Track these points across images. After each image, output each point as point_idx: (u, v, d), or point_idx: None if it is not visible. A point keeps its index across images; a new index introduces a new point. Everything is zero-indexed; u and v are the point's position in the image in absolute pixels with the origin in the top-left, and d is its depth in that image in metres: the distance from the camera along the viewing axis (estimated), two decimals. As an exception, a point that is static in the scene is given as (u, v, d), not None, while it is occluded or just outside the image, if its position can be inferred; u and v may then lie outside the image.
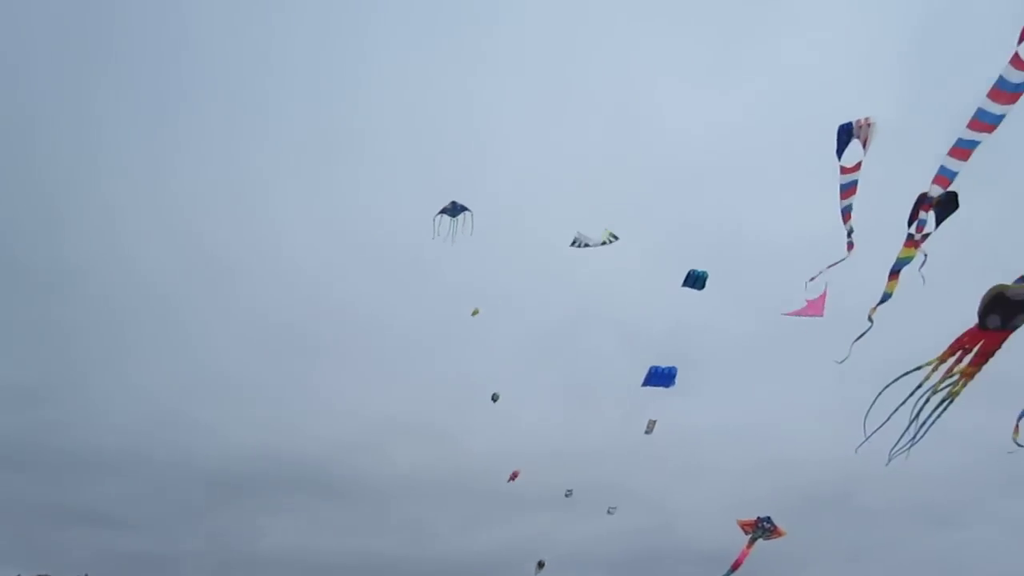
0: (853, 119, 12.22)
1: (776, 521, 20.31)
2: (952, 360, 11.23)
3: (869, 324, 12.30)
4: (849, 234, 13.38)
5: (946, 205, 11.25)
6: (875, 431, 11.64)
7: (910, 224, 11.55)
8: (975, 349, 11.07)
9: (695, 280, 17.57)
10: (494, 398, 32.30)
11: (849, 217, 13.01)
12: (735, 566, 20.10)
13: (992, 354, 11.07)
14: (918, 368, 11.39)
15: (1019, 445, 11.29)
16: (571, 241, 27.52)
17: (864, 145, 12.03)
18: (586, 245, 25.21)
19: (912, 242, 11.63)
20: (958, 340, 11.14)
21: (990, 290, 10.65)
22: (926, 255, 11.96)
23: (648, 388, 20.69)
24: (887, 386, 11.44)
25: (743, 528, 20.02)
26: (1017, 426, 11.46)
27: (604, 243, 27.98)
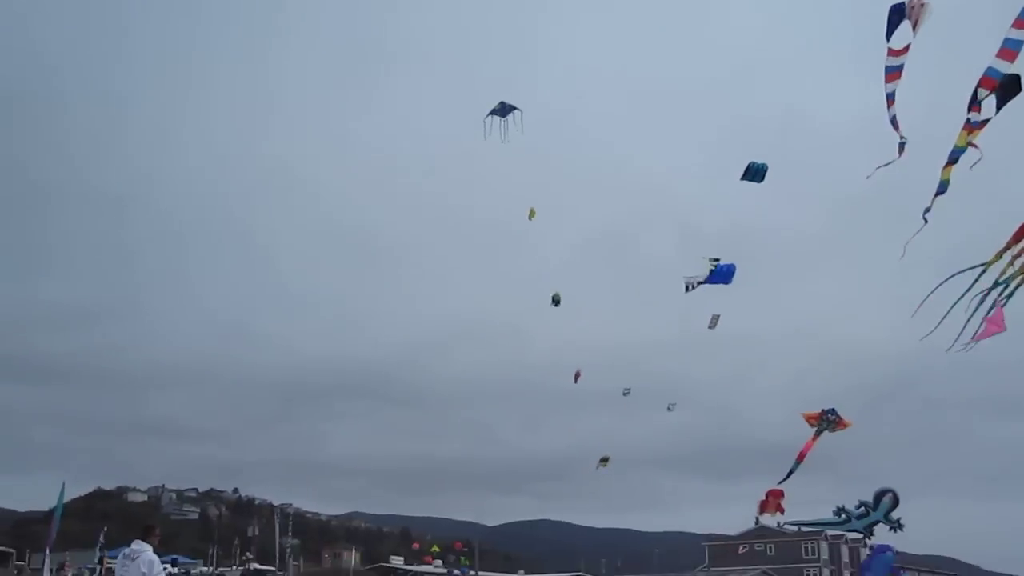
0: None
1: (840, 413, 20.37)
2: (1017, 249, 10.69)
3: (924, 222, 11.81)
4: (896, 126, 12.90)
5: (1008, 87, 10.44)
6: (940, 322, 11.27)
7: (969, 108, 10.74)
8: None
9: (755, 173, 17.30)
10: (555, 300, 32.32)
11: (892, 103, 12.39)
12: (800, 457, 20.10)
13: None
14: (982, 265, 10.96)
15: None
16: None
17: (915, 27, 11.50)
18: None
19: (970, 127, 10.90)
20: (1021, 228, 10.60)
21: None
22: (980, 152, 11.19)
23: (707, 286, 20.74)
24: (947, 278, 11.19)
25: (807, 421, 20.06)
26: None
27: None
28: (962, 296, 10.63)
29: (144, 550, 11.35)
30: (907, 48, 11.57)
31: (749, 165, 17.28)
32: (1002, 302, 10.50)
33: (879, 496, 20.43)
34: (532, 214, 29.98)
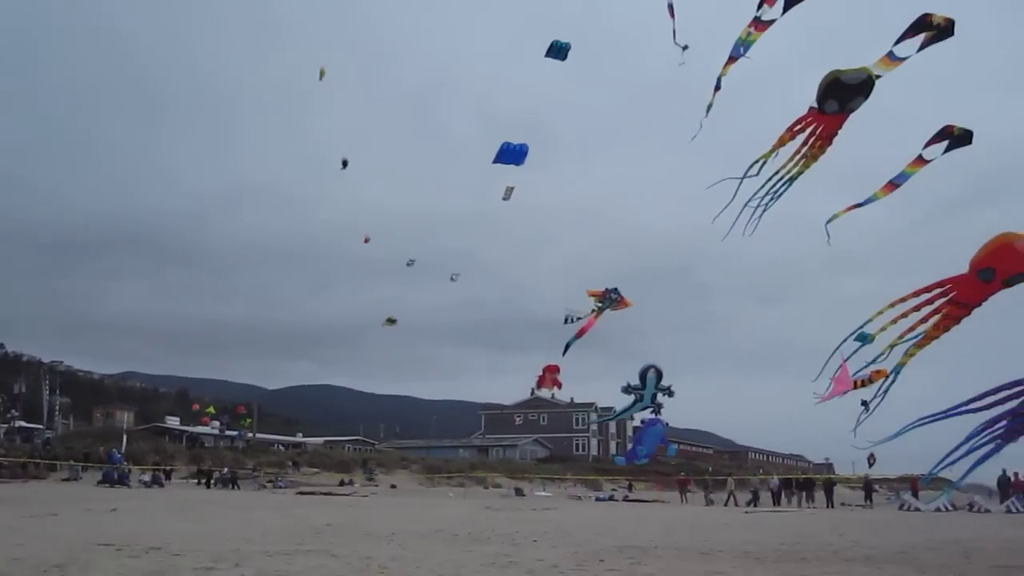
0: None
1: (623, 293, 21.20)
2: (795, 143, 11.50)
3: (705, 115, 12.22)
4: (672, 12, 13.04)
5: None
6: (724, 209, 11.85)
7: (760, 5, 11.37)
8: (815, 131, 11.42)
9: (558, 51, 17.78)
10: (344, 164, 32.10)
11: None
12: (580, 333, 20.90)
13: (833, 137, 11.48)
14: (760, 160, 11.65)
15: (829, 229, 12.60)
16: None
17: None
18: None
19: (757, 24, 11.45)
20: (796, 122, 11.42)
21: (826, 75, 10.99)
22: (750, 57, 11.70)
23: (499, 164, 20.96)
24: (744, 177, 11.71)
25: (592, 297, 20.88)
26: (839, 214, 12.65)
27: None
28: (738, 187, 11.51)
29: None
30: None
31: (552, 43, 17.78)
32: (776, 192, 11.53)
33: (643, 373, 21.86)
34: (322, 73, 29.76)
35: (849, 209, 12.71)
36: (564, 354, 22.07)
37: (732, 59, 11.83)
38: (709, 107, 12.22)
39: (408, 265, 40.22)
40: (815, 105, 11.28)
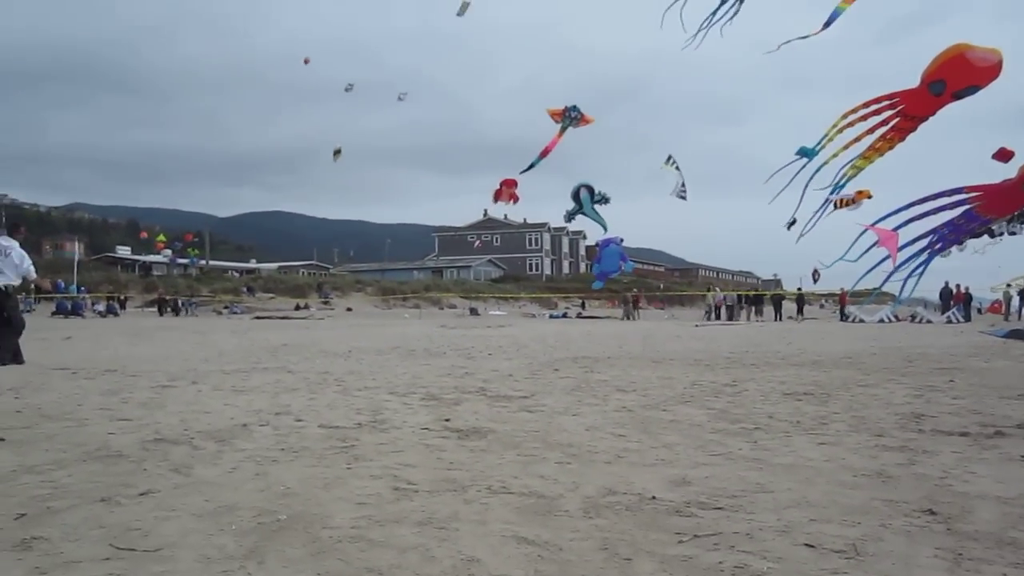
0: None
1: (582, 110, 20.79)
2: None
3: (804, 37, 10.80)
4: None
5: None
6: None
7: None
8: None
9: None
10: (336, 152, 30.87)
11: None
12: (545, 152, 20.54)
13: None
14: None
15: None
16: None
17: None
18: None
19: None
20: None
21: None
22: None
23: None
24: None
25: (552, 117, 20.40)
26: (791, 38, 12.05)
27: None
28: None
29: (13, 245, 12.50)
30: None
31: None
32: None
33: (575, 193, 21.88)
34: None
35: (822, 29, 10.97)
36: (524, 172, 21.87)
37: None
38: None
39: (346, 90, 39.10)
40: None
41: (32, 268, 12.76)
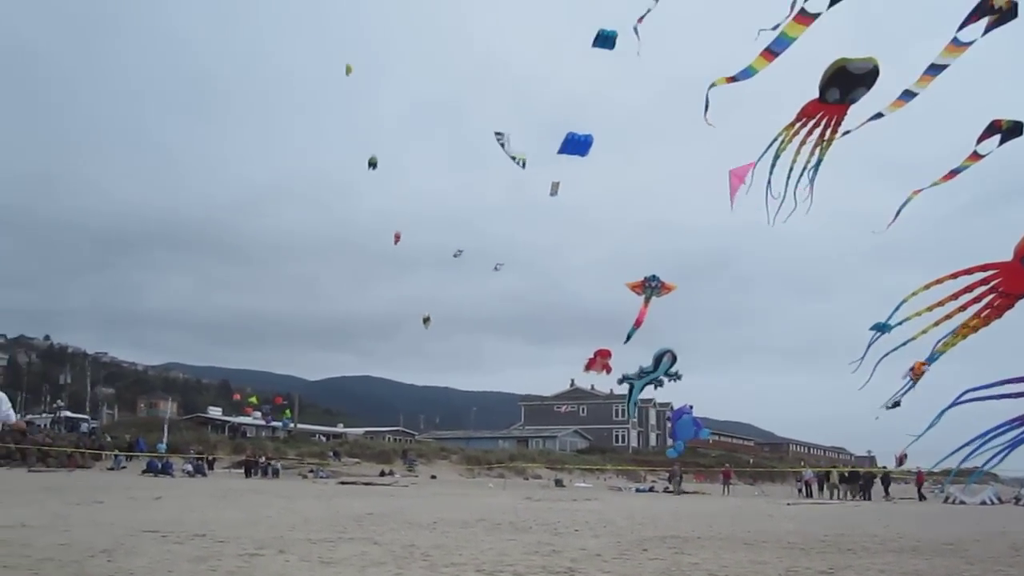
0: None
1: (662, 278, 20.96)
2: (802, 130, 11.34)
3: (714, 86, 11.75)
4: None
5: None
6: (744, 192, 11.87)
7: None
8: (819, 120, 11.25)
9: (605, 39, 17.57)
10: (372, 163, 32.04)
11: None
12: (638, 323, 20.69)
13: (836, 127, 11.31)
14: (776, 140, 11.43)
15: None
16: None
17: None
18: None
19: (803, 18, 10.69)
20: (802, 110, 11.24)
21: (833, 63, 10.82)
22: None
23: (554, 154, 20.57)
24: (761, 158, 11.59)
25: (633, 290, 20.59)
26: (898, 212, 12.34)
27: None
28: (771, 175, 11.33)
29: None
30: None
31: (599, 32, 17.47)
32: (808, 176, 11.37)
33: (659, 357, 21.82)
34: (349, 70, 29.92)
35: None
36: (626, 342, 21.97)
37: (770, 53, 11.21)
38: (706, 104, 11.87)
39: (455, 256, 40.42)
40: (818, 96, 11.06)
41: (11, 412, 11.77)
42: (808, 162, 11.52)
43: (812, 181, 11.61)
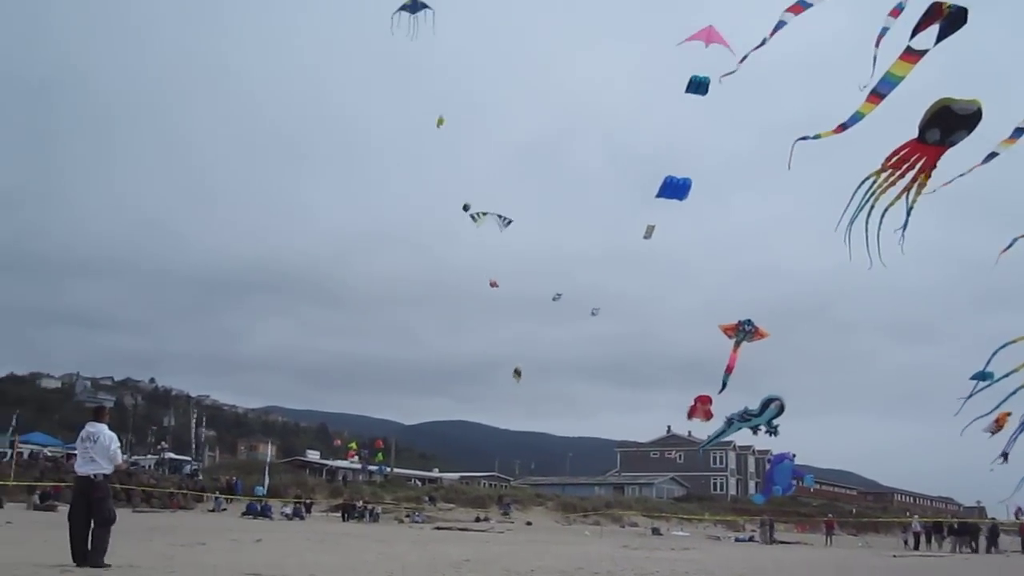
0: None
1: (756, 323, 20.71)
2: (895, 173, 10.98)
3: (815, 136, 11.75)
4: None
5: (955, 18, 10.17)
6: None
7: (914, 35, 10.37)
8: (914, 162, 10.85)
9: (698, 85, 17.45)
10: (466, 208, 32.82)
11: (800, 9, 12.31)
12: (729, 369, 20.43)
13: (931, 170, 10.86)
14: (870, 180, 11.12)
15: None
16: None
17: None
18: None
19: (910, 56, 10.56)
20: (896, 151, 10.91)
21: (936, 102, 10.39)
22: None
23: (649, 199, 20.61)
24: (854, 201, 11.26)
25: (725, 332, 20.33)
26: (1008, 247, 12.05)
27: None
28: (856, 214, 11.03)
29: (101, 430, 11.59)
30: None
31: (692, 78, 17.35)
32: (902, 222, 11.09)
33: (766, 403, 21.31)
34: (440, 122, 30.44)
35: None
36: (721, 392, 21.66)
37: (877, 96, 11.00)
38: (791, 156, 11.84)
39: (554, 299, 40.84)
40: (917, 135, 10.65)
41: (119, 452, 11.98)
42: (906, 203, 11.14)
43: (905, 224, 11.24)
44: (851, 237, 11.27)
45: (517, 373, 42.34)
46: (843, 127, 11.30)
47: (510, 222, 29.50)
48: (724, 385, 20.53)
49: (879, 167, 11.08)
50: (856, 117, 11.22)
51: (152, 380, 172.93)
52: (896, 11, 10.78)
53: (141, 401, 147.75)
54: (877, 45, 10.81)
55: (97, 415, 11.91)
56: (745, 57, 12.81)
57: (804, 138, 11.70)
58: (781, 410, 21.52)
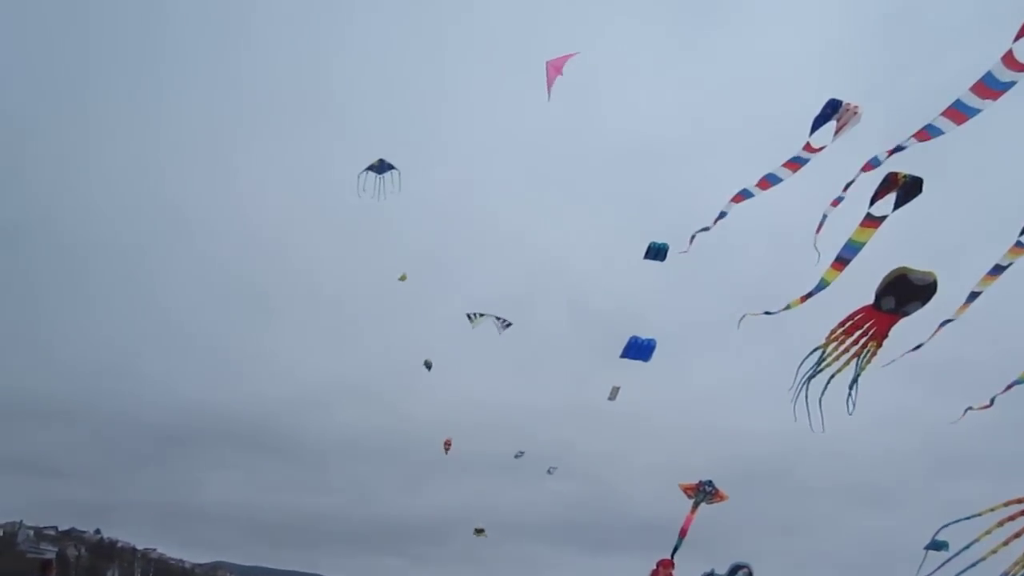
0: (843, 100, 11.47)
1: (717, 485, 20.76)
2: (847, 338, 11.34)
3: (785, 308, 12.26)
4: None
5: (910, 188, 10.72)
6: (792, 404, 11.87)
7: (872, 203, 10.93)
8: (867, 329, 11.19)
9: (656, 252, 17.42)
10: (427, 365, 33.03)
11: (767, 185, 12.69)
12: (683, 532, 20.41)
13: (883, 338, 11.19)
14: (818, 350, 11.55)
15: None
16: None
17: (838, 131, 11.46)
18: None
19: (871, 222, 11.06)
20: (850, 316, 11.25)
21: (893, 270, 10.68)
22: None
23: (613, 358, 20.94)
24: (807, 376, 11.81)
25: (685, 492, 20.23)
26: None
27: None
28: (805, 380, 11.59)
29: None
30: (821, 149, 11.71)
31: (650, 245, 17.32)
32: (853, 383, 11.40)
33: (734, 570, 20.78)
34: (403, 278, 30.70)
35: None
36: (672, 555, 21.16)
37: (840, 263, 11.56)
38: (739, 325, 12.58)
39: (516, 457, 40.78)
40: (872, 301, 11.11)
41: None
42: (856, 368, 11.42)
43: (851, 387, 11.48)
44: (807, 403, 11.55)
45: (480, 531, 41.24)
46: (809, 295, 11.77)
47: (509, 324, 30.01)
48: (675, 549, 20.11)
49: (828, 336, 11.44)
50: (821, 285, 11.66)
51: (98, 531, 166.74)
52: (836, 202, 11.57)
53: (84, 553, 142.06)
54: (834, 205, 11.54)
55: (44, 570, 11.29)
56: (702, 231, 13.32)
57: (769, 312, 12.22)
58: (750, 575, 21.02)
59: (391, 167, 22.33)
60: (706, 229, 13.81)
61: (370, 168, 22.39)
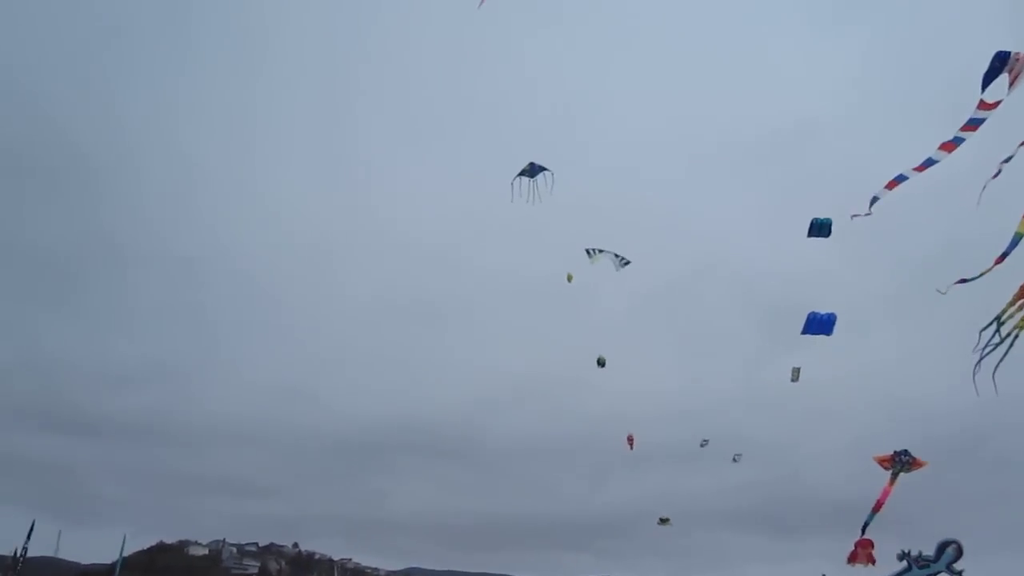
0: (1011, 50, 11.03)
1: (913, 453, 19.91)
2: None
3: (979, 275, 11.86)
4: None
5: None
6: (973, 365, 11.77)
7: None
8: None
9: (819, 228, 17.11)
10: (600, 362, 33.22)
11: (952, 147, 12.47)
12: (877, 506, 19.70)
13: None
14: (995, 320, 11.42)
15: None
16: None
17: (1012, 83, 10.93)
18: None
19: None
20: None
21: None
22: None
23: (785, 338, 20.66)
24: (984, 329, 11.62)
25: (881, 464, 19.54)
26: None
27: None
28: (984, 352, 11.47)
29: None
30: (998, 104, 11.39)
31: (813, 221, 17.01)
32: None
33: (942, 547, 20.20)
34: (570, 278, 30.70)
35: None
36: (863, 531, 20.69)
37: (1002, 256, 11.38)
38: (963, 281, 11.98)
39: (702, 446, 40.58)
40: None
41: None
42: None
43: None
44: (993, 370, 11.35)
45: (664, 521, 41.56)
46: (1004, 256, 11.44)
47: (627, 263, 30.39)
48: (866, 525, 19.73)
49: (1009, 303, 11.25)
50: (1016, 240, 11.40)
51: (295, 544, 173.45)
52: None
53: (285, 566, 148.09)
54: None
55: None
56: (875, 200, 13.06)
57: (964, 280, 12.02)
58: (959, 553, 20.36)
59: (543, 169, 22.32)
60: (868, 214, 13.84)
61: (522, 173, 22.42)
